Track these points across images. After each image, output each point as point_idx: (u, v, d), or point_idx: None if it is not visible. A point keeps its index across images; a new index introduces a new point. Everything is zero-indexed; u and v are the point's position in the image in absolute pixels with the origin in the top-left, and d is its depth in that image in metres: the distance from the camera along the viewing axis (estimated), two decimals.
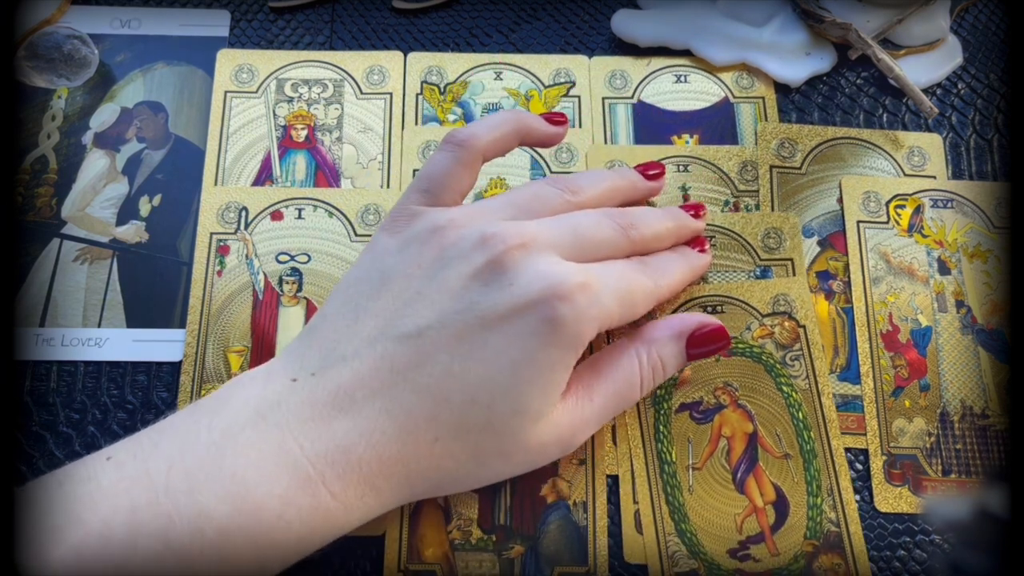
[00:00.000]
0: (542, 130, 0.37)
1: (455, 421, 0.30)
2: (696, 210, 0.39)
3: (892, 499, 0.37)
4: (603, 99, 0.44)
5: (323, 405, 0.30)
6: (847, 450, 0.37)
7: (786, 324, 0.39)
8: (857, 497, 0.37)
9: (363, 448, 0.30)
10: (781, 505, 0.36)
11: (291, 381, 0.31)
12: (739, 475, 0.36)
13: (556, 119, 0.37)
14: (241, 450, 0.29)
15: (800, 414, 0.37)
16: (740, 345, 0.38)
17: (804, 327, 0.39)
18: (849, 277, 0.40)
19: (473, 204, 0.35)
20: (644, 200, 0.40)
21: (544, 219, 0.34)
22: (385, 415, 0.30)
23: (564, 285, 0.30)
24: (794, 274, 0.40)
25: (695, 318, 0.36)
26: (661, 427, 0.37)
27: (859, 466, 0.37)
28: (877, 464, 0.37)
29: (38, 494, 0.28)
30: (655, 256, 0.37)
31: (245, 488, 0.28)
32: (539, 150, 0.42)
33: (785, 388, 0.38)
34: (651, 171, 0.39)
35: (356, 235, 0.41)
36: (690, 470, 0.37)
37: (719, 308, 0.39)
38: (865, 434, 0.37)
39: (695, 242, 0.39)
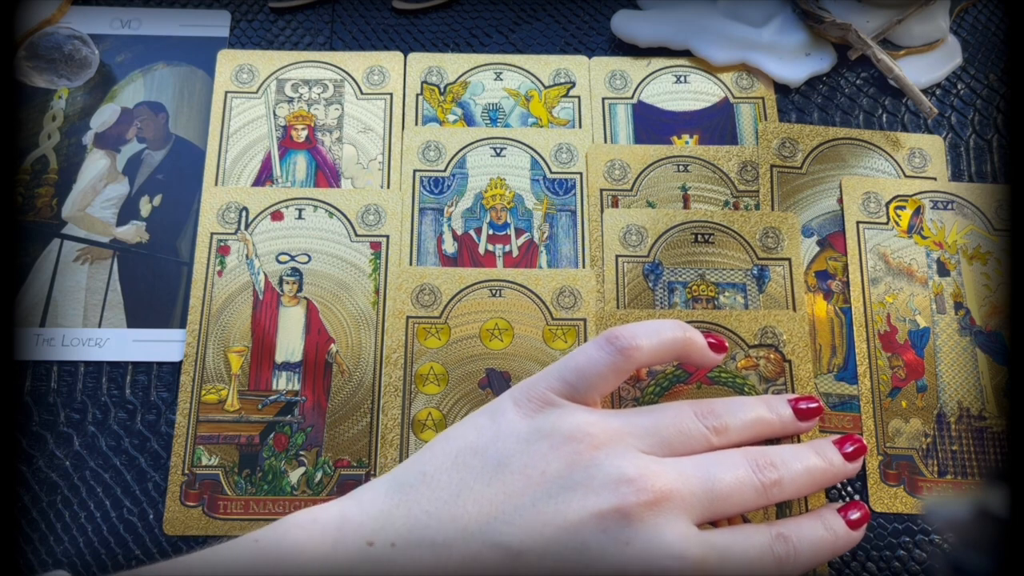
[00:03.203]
0: (704, 355, 0.35)
1: None
2: (846, 444, 0.35)
3: (887, 499, 0.37)
4: (603, 99, 0.44)
5: None
6: None
7: (772, 357, 0.38)
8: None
9: None
10: None
11: (366, 544, 0.30)
12: None
13: (717, 346, 0.36)
14: None
15: None
16: (723, 375, 0.38)
17: (790, 362, 0.38)
18: (848, 277, 0.40)
19: (614, 417, 0.33)
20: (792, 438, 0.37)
21: (683, 467, 0.32)
22: None
23: (683, 571, 0.29)
24: (791, 275, 0.40)
25: None
26: None
27: None
28: (873, 464, 0.37)
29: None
30: (794, 528, 0.33)
31: None
32: (539, 149, 0.42)
33: None
34: (806, 404, 0.36)
35: (356, 235, 0.41)
36: None
37: None
38: (861, 434, 0.37)
39: (849, 505, 0.35)
